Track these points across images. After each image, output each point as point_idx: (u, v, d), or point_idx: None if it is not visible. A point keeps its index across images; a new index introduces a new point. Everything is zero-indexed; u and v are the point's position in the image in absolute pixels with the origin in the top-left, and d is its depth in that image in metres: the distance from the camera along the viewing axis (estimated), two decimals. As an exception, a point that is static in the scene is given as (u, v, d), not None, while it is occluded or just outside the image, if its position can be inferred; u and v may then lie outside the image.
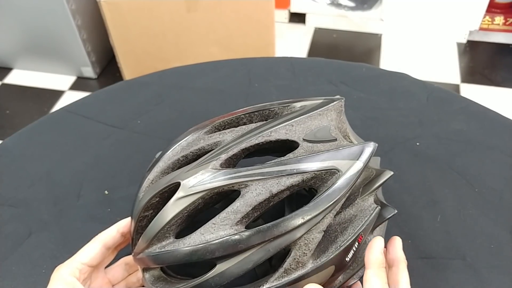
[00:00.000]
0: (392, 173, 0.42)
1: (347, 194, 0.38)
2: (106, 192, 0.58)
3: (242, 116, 0.44)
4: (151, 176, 0.42)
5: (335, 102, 0.44)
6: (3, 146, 0.65)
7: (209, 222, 0.37)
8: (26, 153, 0.64)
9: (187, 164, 0.40)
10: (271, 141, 0.40)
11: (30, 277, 0.50)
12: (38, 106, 1.74)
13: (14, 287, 0.49)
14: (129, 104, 0.71)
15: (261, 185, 0.37)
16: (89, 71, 1.82)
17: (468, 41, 1.99)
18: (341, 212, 0.40)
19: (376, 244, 0.38)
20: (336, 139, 0.41)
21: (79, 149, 0.64)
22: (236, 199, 0.37)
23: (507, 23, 1.92)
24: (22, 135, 0.67)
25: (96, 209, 0.56)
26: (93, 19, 1.73)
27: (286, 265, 0.37)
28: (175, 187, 0.38)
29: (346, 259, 0.38)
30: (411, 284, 0.39)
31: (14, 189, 0.59)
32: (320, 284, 0.38)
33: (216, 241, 0.36)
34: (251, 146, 0.40)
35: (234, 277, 0.36)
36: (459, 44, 1.98)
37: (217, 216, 0.37)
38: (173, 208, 0.38)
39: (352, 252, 0.38)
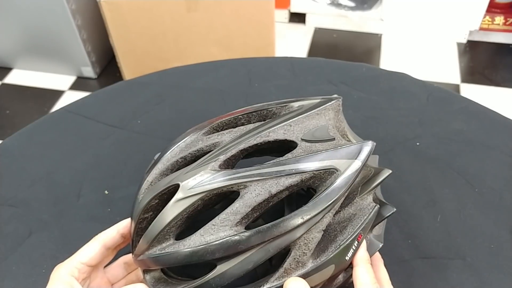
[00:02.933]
0: (390, 171, 0.42)
1: (346, 193, 0.38)
2: (106, 192, 0.58)
3: (240, 116, 0.44)
4: (150, 178, 0.42)
5: (332, 102, 0.44)
6: (3, 146, 0.65)
7: (209, 223, 0.37)
8: (26, 153, 0.64)
9: (186, 166, 0.40)
10: (269, 141, 0.40)
11: (30, 277, 0.50)
12: (38, 106, 1.74)
13: (14, 287, 0.49)
14: (129, 104, 0.71)
15: (260, 186, 0.37)
16: (89, 71, 1.82)
17: (468, 41, 1.99)
18: (340, 211, 0.40)
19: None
20: (334, 138, 0.41)
21: (79, 149, 0.64)
22: (235, 199, 0.37)
23: (507, 23, 1.92)
24: (22, 135, 0.67)
25: (96, 209, 0.56)
26: (93, 19, 1.73)
27: (286, 265, 0.37)
28: (174, 188, 0.38)
29: (346, 258, 0.38)
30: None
31: (14, 189, 0.59)
32: (320, 283, 0.38)
33: (216, 242, 0.36)
34: (249, 146, 0.40)
35: (235, 277, 0.36)
36: (459, 44, 1.98)
37: (216, 217, 0.37)
38: (172, 210, 0.38)
39: (351, 251, 0.38)
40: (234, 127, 0.43)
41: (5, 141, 0.66)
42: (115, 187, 0.59)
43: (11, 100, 1.78)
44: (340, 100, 0.45)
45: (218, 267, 0.36)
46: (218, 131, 0.44)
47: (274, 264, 0.42)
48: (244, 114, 0.44)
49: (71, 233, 0.54)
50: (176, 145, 0.42)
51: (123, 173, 0.61)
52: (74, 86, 1.82)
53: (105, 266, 0.45)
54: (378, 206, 0.40)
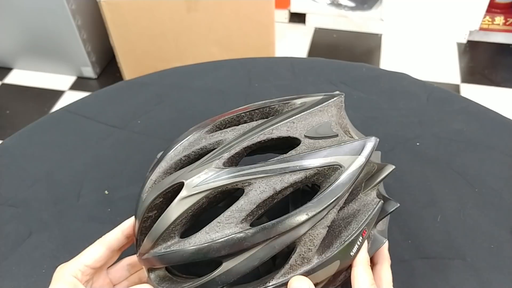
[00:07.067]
0: (393, 167, 0.43)
1: (350, 189, 0.38)
2: (106, 192, 0.58)
3: (243, 114, 0.44)
4: (153, 176, 0.42)
5: (335, 98, 0.44)
6: (3, 146, 0.65)
7: (214, 221, 0.37)
8: (26, 153, 0.64)
9: (190, 164, 0.40)
10: (272, 138, 0.40)
11: (30, 277, 0.50)
12: (38, 106, 1.74)
13: (14, 287, 0.49)
14: (129, 104, 0.71)
15: (264, 183, 0.37)
16: (89, 71, 1.82)
17: (468, 41, 1.99)
18: (344, 207, 0.40)
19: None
20: (337, 134, 0.41)
21: (79, 149, 0.64)
22: (239, 197, 0.37)
23: (507, 23, 1.92)
24: (22, 135, 0.67)
25: (96, 209, 0.56)
26: (93, 19, 1.73)
27: (291, 261, 0.37)
28: (179, 187, 0.38)
29: (351, 253, 0.38)
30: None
31: (14, 189, 0.59)
32: (325, 279, 0.38)
33: (222, 239, 0.36)
34: (253, 144, 0.40)
35: (240, 275, 0.36)
36: (459, 44, 1.98)
37: (222, 215, 0.37)
38: (177, 208, 0.38)
39: (356, 246, 0.38)
40: (237, 125, 0.43)
41: (5, 141, 0.66)
42: (115, 187, 0.59)
43: (11, 100, 1.78)
44: (342, 96, 0.45)
45: (223, 264, 0.36)
46: (221, 129, 0.44)
47: (277, 263, 0.42)
48: (247, 111, 0.44)
49: (71, 233, 0.54)
50: (179, 144, 0.43)
51: (123, 173, 0.61)
52: (74, 86, 1.82)
53: (108, 267, 0.45)
54: (382, 201, 0.41)
